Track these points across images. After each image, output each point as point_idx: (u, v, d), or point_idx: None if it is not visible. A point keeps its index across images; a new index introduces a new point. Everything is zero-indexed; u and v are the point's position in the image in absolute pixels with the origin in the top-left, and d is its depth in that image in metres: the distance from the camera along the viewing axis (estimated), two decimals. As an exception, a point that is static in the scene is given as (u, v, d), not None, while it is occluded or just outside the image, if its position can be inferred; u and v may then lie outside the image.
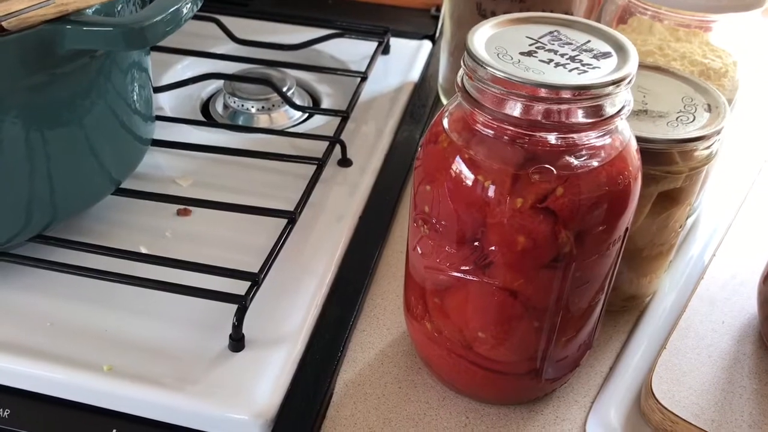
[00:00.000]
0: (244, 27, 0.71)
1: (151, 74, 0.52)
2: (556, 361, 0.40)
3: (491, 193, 0.34)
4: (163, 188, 0.53)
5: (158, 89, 0.62)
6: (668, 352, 0.42)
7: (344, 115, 0.59)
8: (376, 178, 0.56)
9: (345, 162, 0.57)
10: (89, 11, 0.40)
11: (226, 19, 0.70)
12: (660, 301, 0.47)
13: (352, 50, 0.70)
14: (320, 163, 0.53)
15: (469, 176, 0.35)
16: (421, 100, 0.67)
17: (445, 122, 0.37)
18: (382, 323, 0.46)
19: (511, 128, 0.33)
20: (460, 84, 0.35)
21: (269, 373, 0.42)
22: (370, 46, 0.70)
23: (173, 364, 0.42)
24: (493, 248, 0.35)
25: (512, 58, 0.34)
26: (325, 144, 0.56)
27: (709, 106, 0.43)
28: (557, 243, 0.34)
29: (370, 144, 0.60)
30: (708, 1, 0.46)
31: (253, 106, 0.63)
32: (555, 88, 0.32)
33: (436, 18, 0.77)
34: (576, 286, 0.36)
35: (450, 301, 0.39)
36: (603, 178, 0.34)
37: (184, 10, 0.42)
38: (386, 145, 0.60)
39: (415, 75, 0.69)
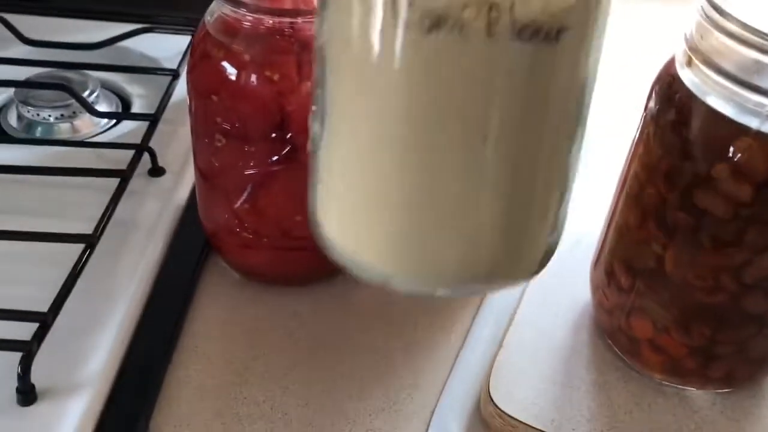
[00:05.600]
0: (37, 26, 0.63)
1: None
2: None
3: (283, 84, 0.37)
4: (-63, 218, 0.46)
5: (-68, 102, 0.54)
6: (505, 350, 0.40)
7: (152, 119, 0.53)
8: (193, 187, 0.51)
9: (156, 171, 0.52)
10: None
11: (13, 18, 0.62)
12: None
13: (165, 46, 0.64)
14: (124, 176, 0.48)
15: (257, 75, 0.37)
16: (244, 97, 0.62)
17: (212, 36, 0.38)
18: (202, 352, 0.42)
19: (277, 19, 0.37)
20: None
21: (66, 426, 0.36)
22: (185, 40, 0.64)
23: (-52, 431, 0.36)
24: (291, 135, 0.38)
25: None
26: (131, 153, 0.50)
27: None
28: None
29: (186, 149, 0.54)
30: None
31: (50, 115, 0.56)
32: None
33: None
34: None
35: (261, 199, 0.41)
36: None
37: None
38: (205, 149, 0.55)
39: (237, 69, 0.64)
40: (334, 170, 0.28)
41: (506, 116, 0.25)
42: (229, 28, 0.38)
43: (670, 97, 0.34)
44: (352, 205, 0.28)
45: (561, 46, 0.24)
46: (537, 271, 0.30)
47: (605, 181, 0.45)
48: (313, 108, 0.28)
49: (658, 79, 0.36)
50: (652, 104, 0.36)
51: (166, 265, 0.46)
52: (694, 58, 0.32)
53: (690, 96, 0.33)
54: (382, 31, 0.24)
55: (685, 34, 0.33)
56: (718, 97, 0.32)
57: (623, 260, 0.39)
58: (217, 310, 0.44)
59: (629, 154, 0.38)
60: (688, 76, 0.33)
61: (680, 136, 0.33)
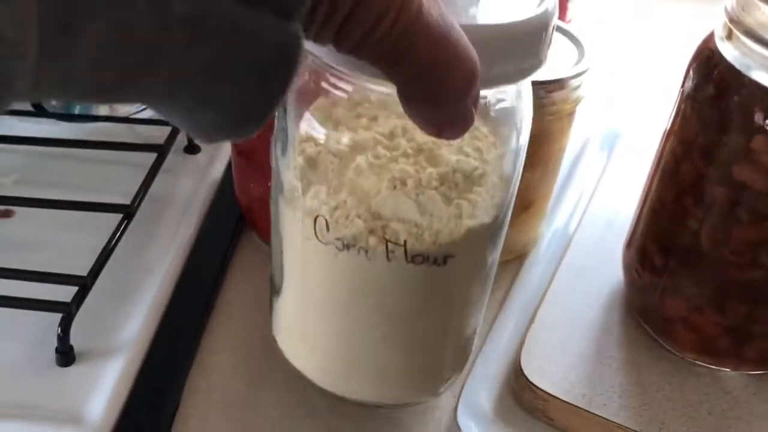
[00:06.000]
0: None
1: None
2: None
3: None
4: (-19, 188, 0.47)
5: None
6: (536, 326, 0.40)
7: (189, 98, 0.54)
8: (227, 164, 0.52)
9: (192, 149, 0.53)
10: None
11: None
12: (529, 268, 0.45)
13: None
14: (161, 151, 0.49)
15: None
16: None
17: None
18: (235, 322, 0.42)
19: None
20: None
21: (103, 387, 0.37)
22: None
23: (-11, 388, 0.36)
24: None
25: None
26: (168, 130, 0.51)
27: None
28: None
29: (221, 128, 0.55)
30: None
31: (89, 94, 0.57)
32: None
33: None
34: None
35: None
36: None
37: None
38: (239, 129, 0.55)
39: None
40: (285, 306, 0.35)
41: (404, 309, 0.32)
42: None
43: (709, 71, 0.34)
44: (294, 336, 0.36)
45: (448, 267, 0.30)
46: (440, 393, 0.37)
47: (636, 164, 0.46)
48: (272, 258, 0.35)
49: (697, 55, 0.36)
50: (689, 81, 0.36)
51: (201, 238, 0.47)
52: (734, 30, 0.32)
53: (729, 69, 0.33)
54: (309, 241, 0.31)
55: (726, 7, 0.33)
56: (759, 69, 0.32)
57: (657, 238, 0.39)
58: (251, 283, 0.45)
59: (664, 133, 0.38)
60: (727, 49, 0.33)
61: (719, 110, 0.33)
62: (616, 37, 0.70)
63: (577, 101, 0.43)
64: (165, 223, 0.47)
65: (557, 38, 0.44)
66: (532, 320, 0.41)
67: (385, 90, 0.27)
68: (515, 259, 0.46)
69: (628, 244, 0.42)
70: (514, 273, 0.46)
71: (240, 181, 0.46)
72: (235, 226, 0.48)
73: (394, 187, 0.29)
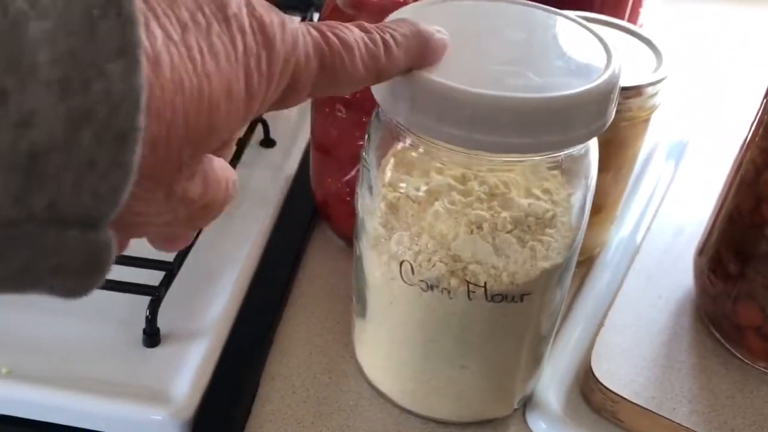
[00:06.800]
0: None
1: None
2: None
3: None
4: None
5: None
6: (606, 329, 0.41)
7: (266, 94, 0.56)
8: (302, 159, 0.54)
9: (268, 143, 0.54)
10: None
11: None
12: (598, 272, 0.46)
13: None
14: (240, 145, 0.50)
15: None
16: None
17: (339, 9, 0.38)
18: (310, 311, 0.44)
19: None
20: None
21: (187, 368, 0.38)
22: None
23: (81, 364, 0.38)
24: None
25: None
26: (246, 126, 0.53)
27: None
28: None
29: (295, 123, 0.57)
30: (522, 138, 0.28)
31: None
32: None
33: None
34: None
35: None
36: None
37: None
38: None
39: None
40: (369, 333, 0.38)
41: (483, 342, 0.34)
42: (357, 1, 0.39)
43: (796, 82, 0.34)
44: (376, 360, 0.39)
45: (524, 303, 0.33)
46: (515, 408, 0.39)
47: (706, 173, 0.46)
48: (355, 287, 0.38)
49: (783, 65, 0.36)
50: (774, 90, 0.36)
51: (277, 229, 0.48)
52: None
53: (818, 81, 0.33)
54: (394, 281, 0.33)
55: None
56: None
57: (732, 246, 0.39)
58: (324, 274, 0.46)
59: (743, 142, 0.39)
60: (816, 62, 0.33)
61: (805, 121, 0.34)
62: (686, 43, 0.70)
63: (653, 109, 0.43)
64: (243, 214, 0.48)
65: (635, 44, 0.44)
66: (601, 323, 0.41)
67: (454, 148, 0.29)
68: (584, 262, 0.47)
69: (701, 251, 0.42)
70: (583, 276, 0.46)
71: (317, 175, 0.48)
72: (310, 218, 0.50)
73: (471, 232, 0.31)
